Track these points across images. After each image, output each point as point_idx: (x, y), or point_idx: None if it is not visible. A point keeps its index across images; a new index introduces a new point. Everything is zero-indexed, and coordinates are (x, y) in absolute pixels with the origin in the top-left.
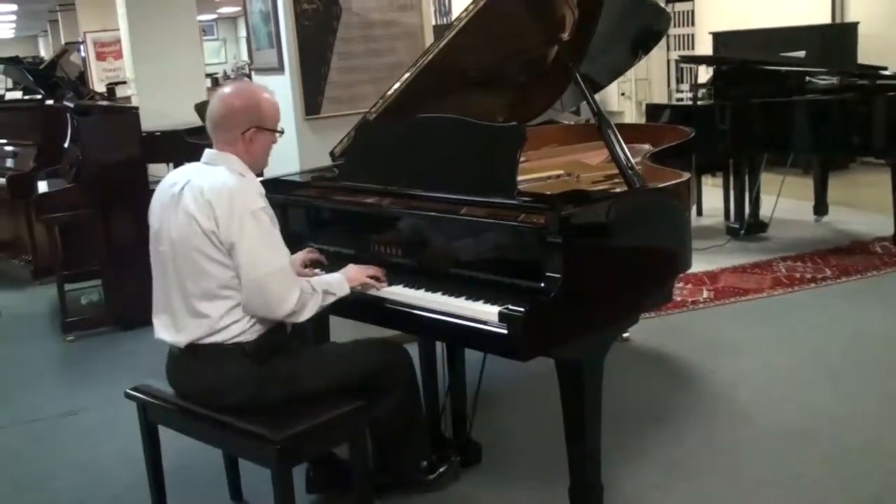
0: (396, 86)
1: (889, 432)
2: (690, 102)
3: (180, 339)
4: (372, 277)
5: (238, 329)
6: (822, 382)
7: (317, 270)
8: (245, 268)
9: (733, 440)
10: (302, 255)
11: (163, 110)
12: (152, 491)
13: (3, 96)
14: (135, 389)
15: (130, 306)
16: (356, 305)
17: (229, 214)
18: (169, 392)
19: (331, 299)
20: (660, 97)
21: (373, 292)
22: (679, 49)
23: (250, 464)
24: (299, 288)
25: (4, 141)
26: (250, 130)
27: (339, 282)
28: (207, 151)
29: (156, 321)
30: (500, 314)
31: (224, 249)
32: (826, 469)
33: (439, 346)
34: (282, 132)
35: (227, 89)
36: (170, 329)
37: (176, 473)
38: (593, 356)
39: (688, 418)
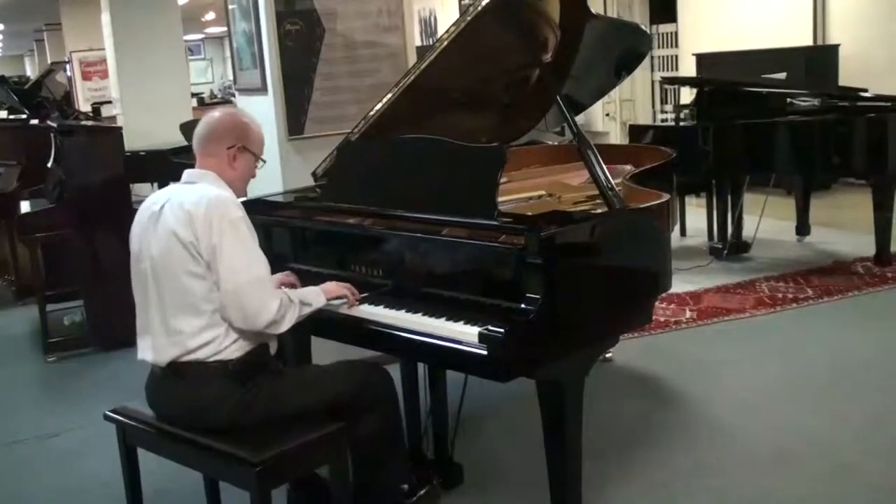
0: (378, 106)
1: (872, 452)
2: (673, 123)
3: (160, 358)
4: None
5: (215, 348)
6: (804, 402)
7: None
8: (224, 277)
9: (717, 461)
10: (280, 276)
11: (148, 130)
12: None
13: None
14: (114, 411)
15: (113, 327)
16: (338, 326)
17: (208, 224)
18: (148, 414)
19: (307, 310)
20: (644, 118)
21: (343, 309)
22: (663, 70)
23: (231, 486)
24: (279, 298)
25: None
26: (235, 147)
27: (315, 293)
28: (187, 171)
29: (139, 343)
30: (480, 335)
31: (203, 261)
32: (810, 489)
33: (421, 367)
34: (264, 161)
35: (216, 111)
36: (150, 350)
37: (155, 496)
38: (574, 377)
39: (671, 439)
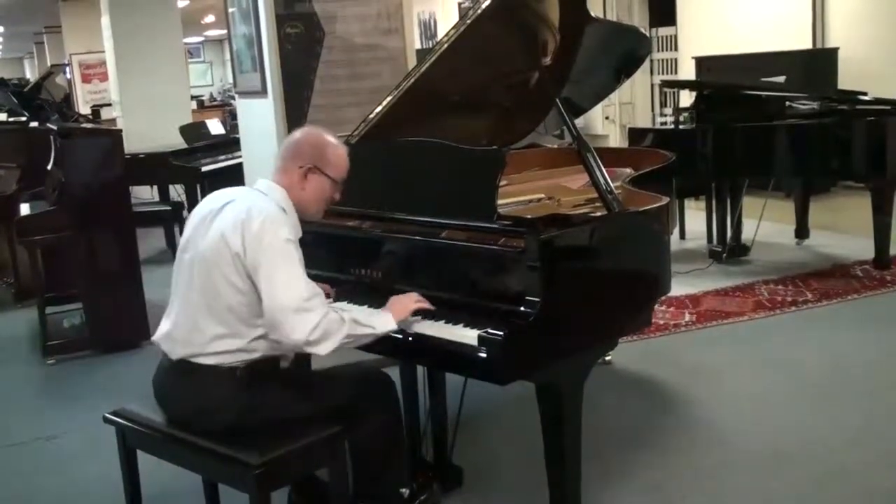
0: (378, 109)
1: (870, 454)
2: (673, 126)
3: (174, 350)
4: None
5: (229, 358)
6: (802, 405)
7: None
8: (265, 295)
9: (715, 463)
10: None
11: (147, 132)
12: None
13: None
14: (113, 414)
15: (112, 329)
16: None
17: (258, 240)
18: (148, 416)
19: (364, 331)
20: (644, 121)
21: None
22: (662, 73)
23: (231, 489)
24: (317, 319)
25: None
26: (307, 167)
27: (381, 315)
28: (261, 180)
29: (161, 323)
30: (480, 338)
31: (245, 274)
32: (807, 491)
33: (420, 370)
34: (341, 186)
35: (305, 128)
36: (167, 336)
37: (155, 499)
38: (573, 380)
39: (669, 441)
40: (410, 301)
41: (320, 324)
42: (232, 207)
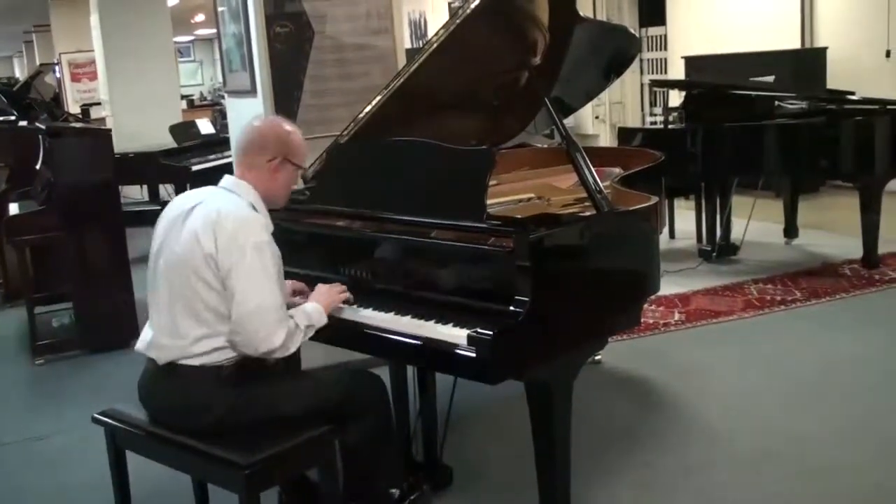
0: (368, 109)
1: (858, 452)
2: (662, 126)
3: (159, 356)
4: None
5: (212, 357)
6: (792, 403)
7: (296, 299)
8: (236, 299)
9: (705, 461)
10: (289, 283)
11: (137, 132)
12: None
13: None
14: (102, 414)
15: (101, 329)
16: (327, 329)
17: (231, 242)
18: (138, 416)
19: (310, 332)
20: (633, 120)
21: (347, 314)
22: (652, 73)
23: (220, 489)
24: (286, 329)
25: None
26: (277, 160)
27: (318, 312)
28: (227, 177)
29: (142, 335)
30: (469, 337)
31: (219, 274)
32: (797, 489)
33: (410, 370)
34: (306, 169)
35: (257, 120)
36: (151, 347)
37: (144, 499)
38: (562, 379)
39: (659, 440)
40: (335, 293)
41: (287, 334)
42: (202, 208)
